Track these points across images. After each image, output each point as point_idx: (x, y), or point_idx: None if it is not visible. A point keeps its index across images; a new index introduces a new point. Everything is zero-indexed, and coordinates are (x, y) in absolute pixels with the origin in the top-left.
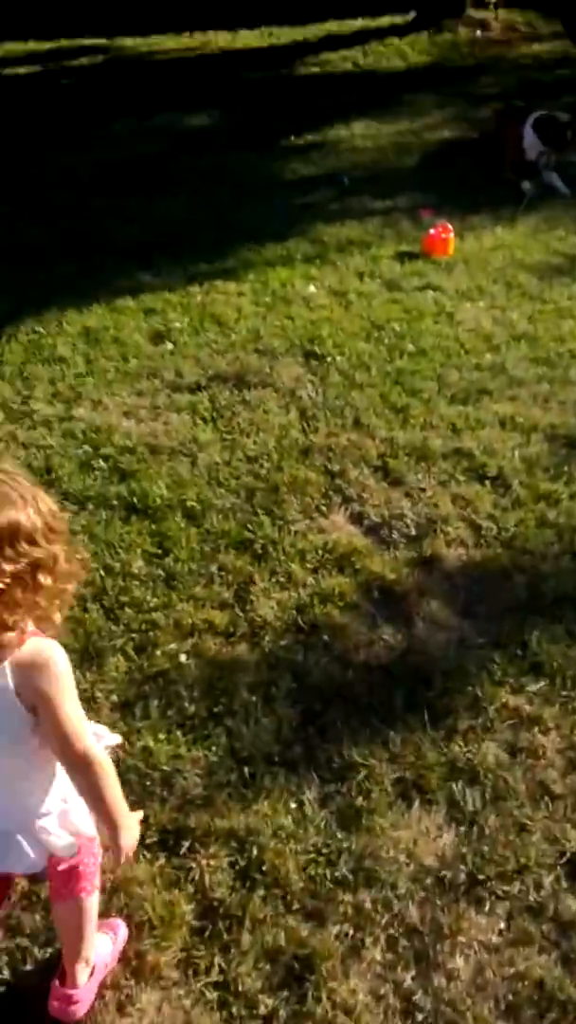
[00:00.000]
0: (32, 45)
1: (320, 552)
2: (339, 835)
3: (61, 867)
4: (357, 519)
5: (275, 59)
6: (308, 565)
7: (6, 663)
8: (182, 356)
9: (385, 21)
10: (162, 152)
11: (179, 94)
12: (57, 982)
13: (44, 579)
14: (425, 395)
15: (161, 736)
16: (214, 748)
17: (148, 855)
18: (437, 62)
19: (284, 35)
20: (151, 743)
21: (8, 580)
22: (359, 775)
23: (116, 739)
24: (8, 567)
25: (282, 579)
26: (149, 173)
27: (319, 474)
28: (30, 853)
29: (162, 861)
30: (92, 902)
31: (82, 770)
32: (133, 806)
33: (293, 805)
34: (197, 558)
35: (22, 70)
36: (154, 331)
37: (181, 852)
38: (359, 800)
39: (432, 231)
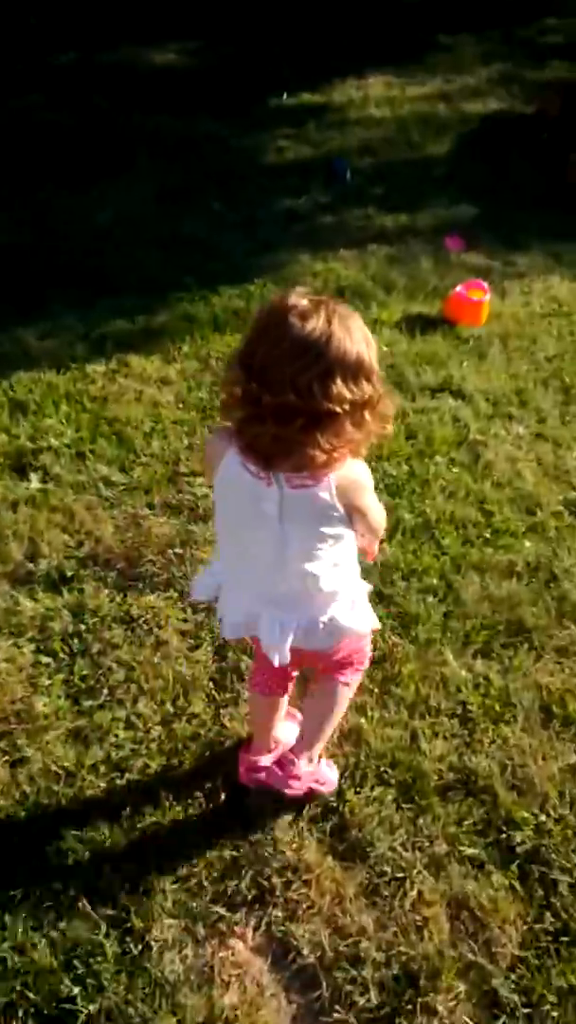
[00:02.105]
0: None
1: None
2: None
3: (339, 655)
4: None
5: None
6: None
7: (331, 477)
8: (48, 510)
9: None
10: (102, 109)
11: (143, 17)
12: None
13: (368, 416)
14: (420, 636)
15: None
16: None
17: None
18: None
19: None
20: None
21: (347, 407)
22: None
23: (375, 623)
24: (348, 395)
25: None
26: (76, 141)
27: None
28: (342, 628)
29: None
30: (345, 698)
31: (375, 530)
32: None
33: None
34: None
35: None
36: (15, 453)
37: None
38: None
39: (459, 288)
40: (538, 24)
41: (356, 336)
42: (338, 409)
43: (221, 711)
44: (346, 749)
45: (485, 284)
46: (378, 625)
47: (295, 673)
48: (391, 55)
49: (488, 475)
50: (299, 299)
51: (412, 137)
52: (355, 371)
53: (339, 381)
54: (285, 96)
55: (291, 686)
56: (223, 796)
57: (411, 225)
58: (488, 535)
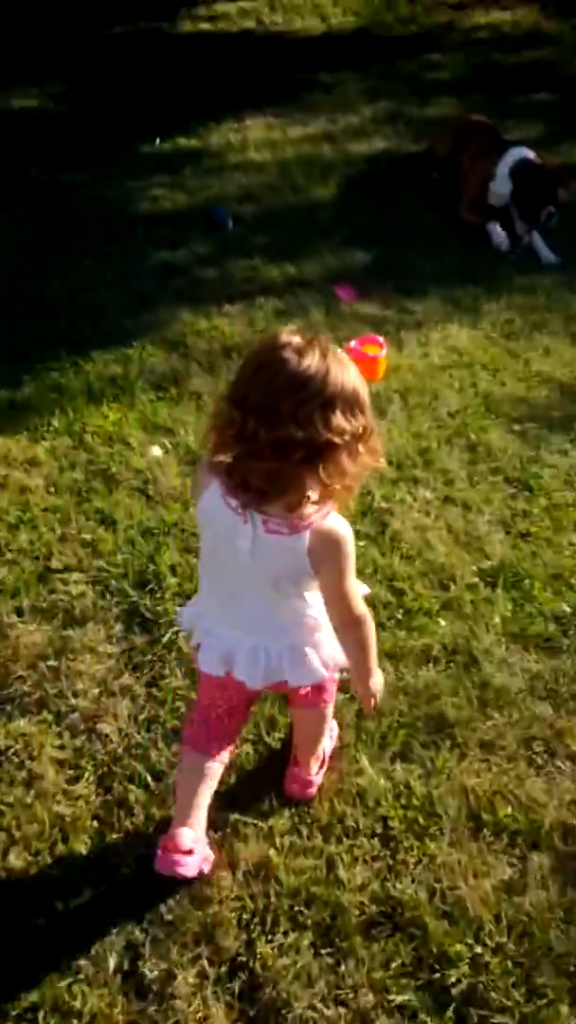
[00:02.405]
0: None
1: None
2: None
3: (307, 691)
4: None
5: (149, 6)
6: None
7: (308, 531)
8: None
9: None
10: None
11: (3, 55)
12: (296, 770)
13: (362, 449)
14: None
15: None
16: None
17: None
18: (367, 27)
19: None
20: None
21: (347, 438)
22: None
23: (366, 590)
24: (347, 427)
25: None
26: None
27: None
28: (315, 666)
29: None
30: (330, 711)
31: (354, 628)
32: None
33: None
34: None
35: None
36: None
37: None
38: None
39: (353, 344)
40: (421, 60)
41: (350, 370)
42: (338, 440)
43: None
44: (253, 889)
45: (381, 339)
46: (344, 662)
47: (246, 716)
48: (270, 96)
49: (396, 547)
50: (291, 336)
51: (296, 181)
52: (352, 403)
53: (339, 412)
54: (158, 141)
55: (227, 753)
56: (112, 961)
57: (299, 275)
58: (400, 616)
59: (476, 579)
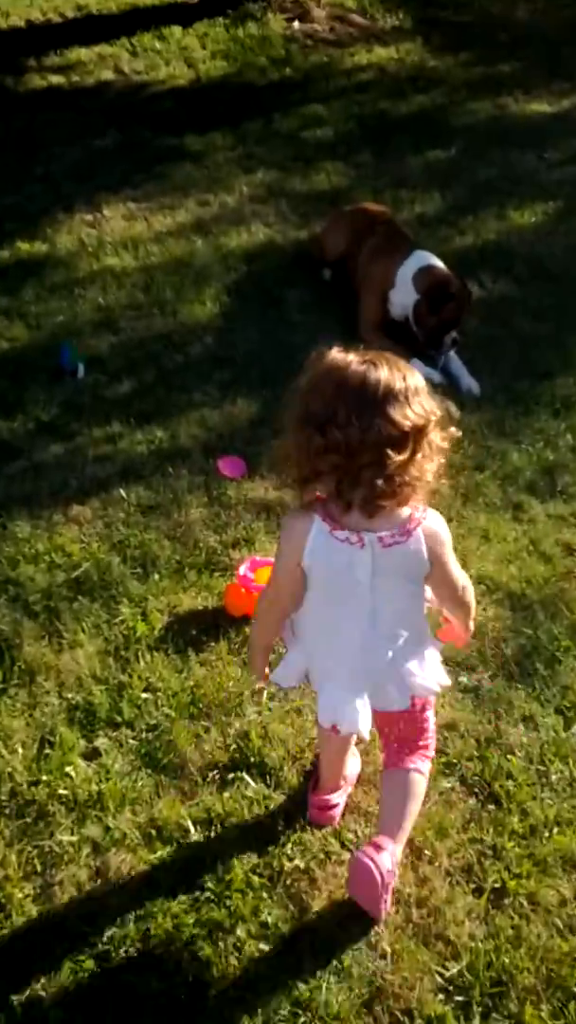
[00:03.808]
0: None
1: None
2: None
3: (414, 713)
4: None
5: None
6: None
7: (419, 529)
8: None
9: None
10: None
11: None
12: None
13: (439, 434)
14: None
15: None
16: None
17: None
18: (238, 71)
19: (15, 9)
20: None
21: (431, 422)
22: None
23: None
24: (426, 412)
25: None
26: None
27: None
28: (407, 688)
29: None
30: (423, 784)
31: (465, 594)
32: None
33: None
34: None
35: None
36: None
37: None
38: None
39: (242, 569)
40: (301, 114)
41: (402, 366)
42: (424, 423)
43: None
44: None
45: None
46: (448, 682)
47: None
48: (131, 172)
49: None
50: (346, 353)
51: (163, 295)
52: (421, 394)
53: (416, 402)
54: None
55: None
56: None
57: (171, 445)
58: None
59: None
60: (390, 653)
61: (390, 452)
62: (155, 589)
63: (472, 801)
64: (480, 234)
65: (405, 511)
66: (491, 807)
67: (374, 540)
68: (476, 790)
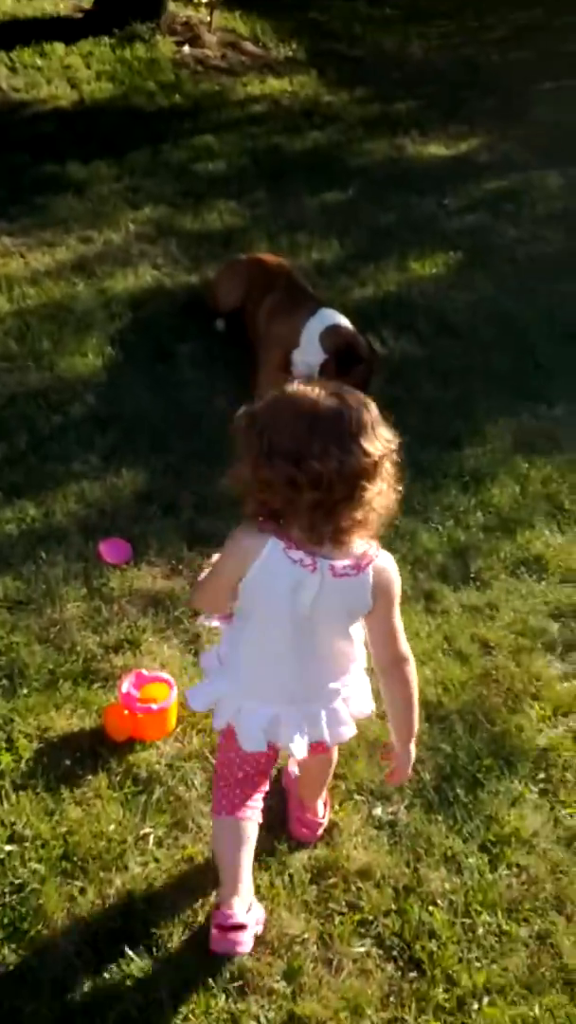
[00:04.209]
0: None
1: None
2: None
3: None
4: None
5: None
6: None
7: (371, 567)
8: None
9: (48, 7)
10: None
11: None
12: (303, 815)
13: (389, 465)
14: None
15: None
16: None
17: None
18: (124, 95)
19: None
20: None
21: (391, 450)
22: None
23: None
24: (388, 441)
25: None
26: None
27: None
28: (350, 722)
29: None
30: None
31: (399, 666)
32: None
33: None
34: None
35: None
36: None
37: None
38: None
39: (126, 686)
40: (192, 145)
41: (362, 397)
42: (387, 451)
43: None
44: None
45: (167, 675)
46: (372, 709)
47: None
48: (8, 202)
49: None
50: (307, 388)
51: (40, 347)
52: (380, 424)
53: (382, 432)
54: None
55: (259, 811)
56: None
57: (46, 525)
58: None
59: None
60: (323, 686)
61: (365, 484)
62: (22, 707)
63: (391, 968)
64: (380, 285)
65: (361, 545)
66: (412, 975)
67: (326, 567)
68: (395, 953)
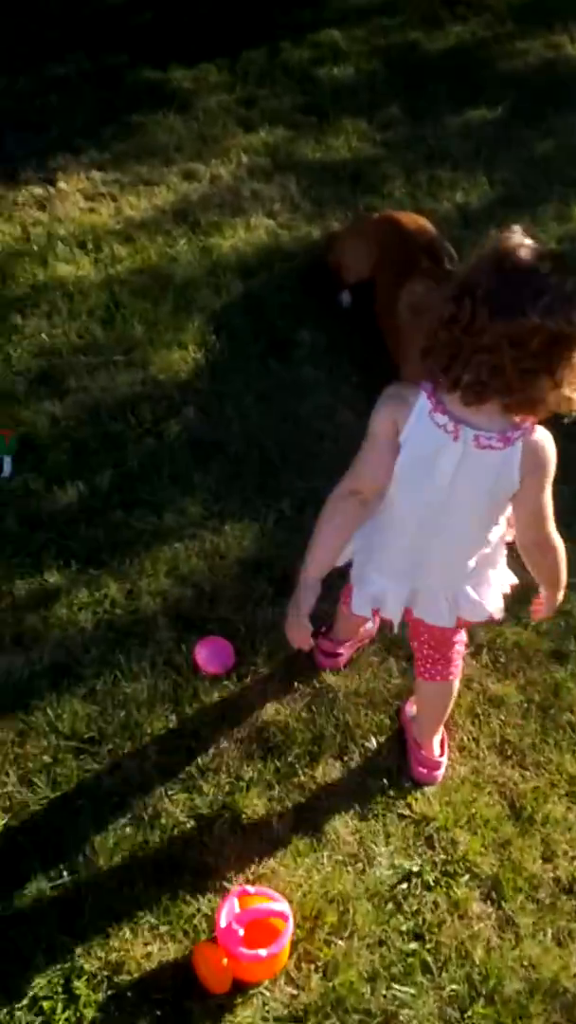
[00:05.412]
0: None
1: None
2: None
3: (457, 637)
4: None
5: None
6: None
7: (520, 441)
8: None
9: None
10: None
11: None
12: (422, 753)
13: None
14: None
15: None
16: None
17: None
18: None
19: None
20: None
21: None
22: None
23: None
24: None
25: None
26: None
27: None
28: (481, 604)
29: None
30: (455, 688)
31: (544, 552)
32: None
33: None
34: None
35: None
36: None
37: None
38: None
39: (223, 921)
40: (315, 39)
41: None
42: (569, 333)
43: None
44: None
45: (283, 905)
46: (502, 612)
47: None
48: (95, 120)
49: None
50: (526, 238)
51: (130, 334)
52: None
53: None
54: None
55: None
56: None
57: (129, 612)
58: None
59: None
60: (452, 565)
61: (510, 348)
62: (88, 931)
63: None
64: (543, 239)
65: (512, 419)
66: None
67: (470, 437)
68: None
